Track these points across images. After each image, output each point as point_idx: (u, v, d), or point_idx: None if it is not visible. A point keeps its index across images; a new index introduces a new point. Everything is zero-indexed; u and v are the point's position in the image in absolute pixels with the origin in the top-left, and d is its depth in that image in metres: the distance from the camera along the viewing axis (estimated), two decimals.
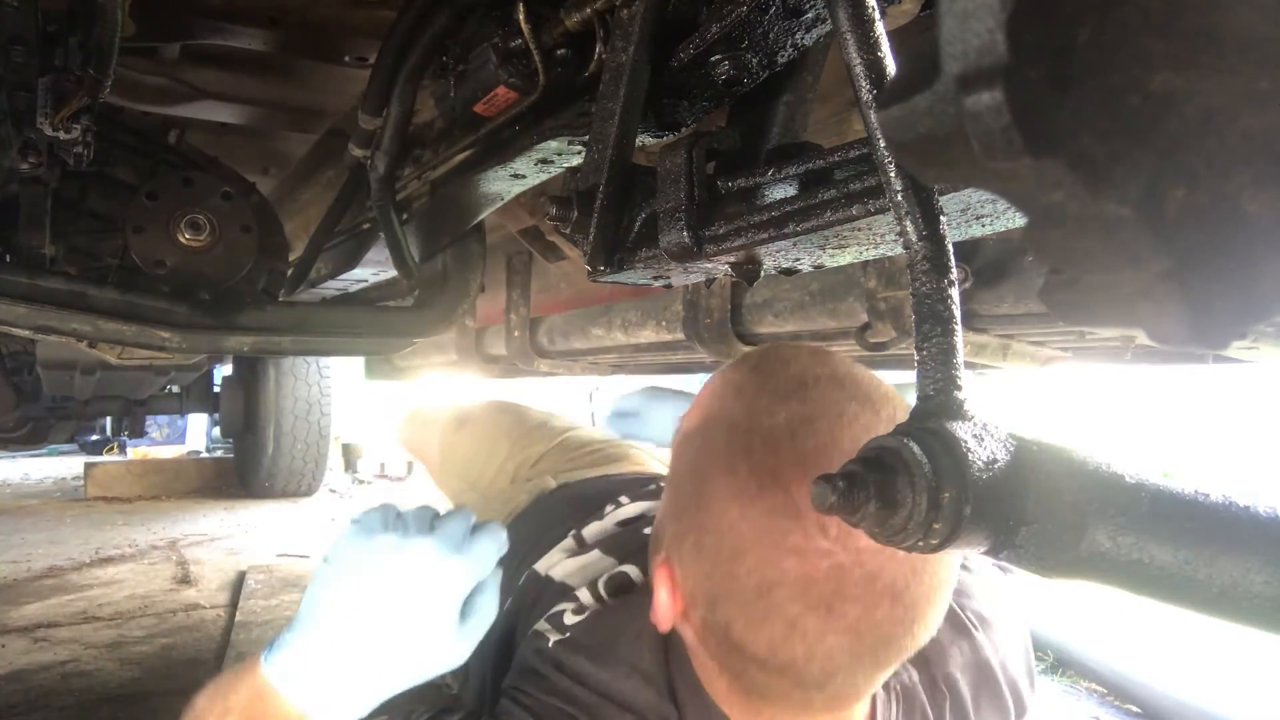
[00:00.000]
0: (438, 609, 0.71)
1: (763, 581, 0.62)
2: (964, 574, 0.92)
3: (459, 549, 0.74)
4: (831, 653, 0.62)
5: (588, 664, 0.79)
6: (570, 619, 0.87)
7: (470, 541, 0.75)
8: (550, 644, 0.84)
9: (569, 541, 1.09)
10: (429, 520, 0.76)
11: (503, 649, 0.99)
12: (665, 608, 0.70)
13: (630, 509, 1.13)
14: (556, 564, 1.05)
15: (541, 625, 0.89)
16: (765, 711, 0.72)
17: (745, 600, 0.63)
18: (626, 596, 0.91)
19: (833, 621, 0.61)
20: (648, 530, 0.97)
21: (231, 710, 0.68)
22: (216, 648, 2.29)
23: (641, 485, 1.21)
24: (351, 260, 1.78)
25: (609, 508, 1.14)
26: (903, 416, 0.46)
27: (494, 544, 0.76)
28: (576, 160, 0.97)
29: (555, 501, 1.33)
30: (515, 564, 1.09)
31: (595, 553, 1.03)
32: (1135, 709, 2.11)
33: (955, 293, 0.43)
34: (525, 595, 1.03)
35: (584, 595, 0.92)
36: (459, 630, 0.72)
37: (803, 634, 0.62)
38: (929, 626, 0.65)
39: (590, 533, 1.09)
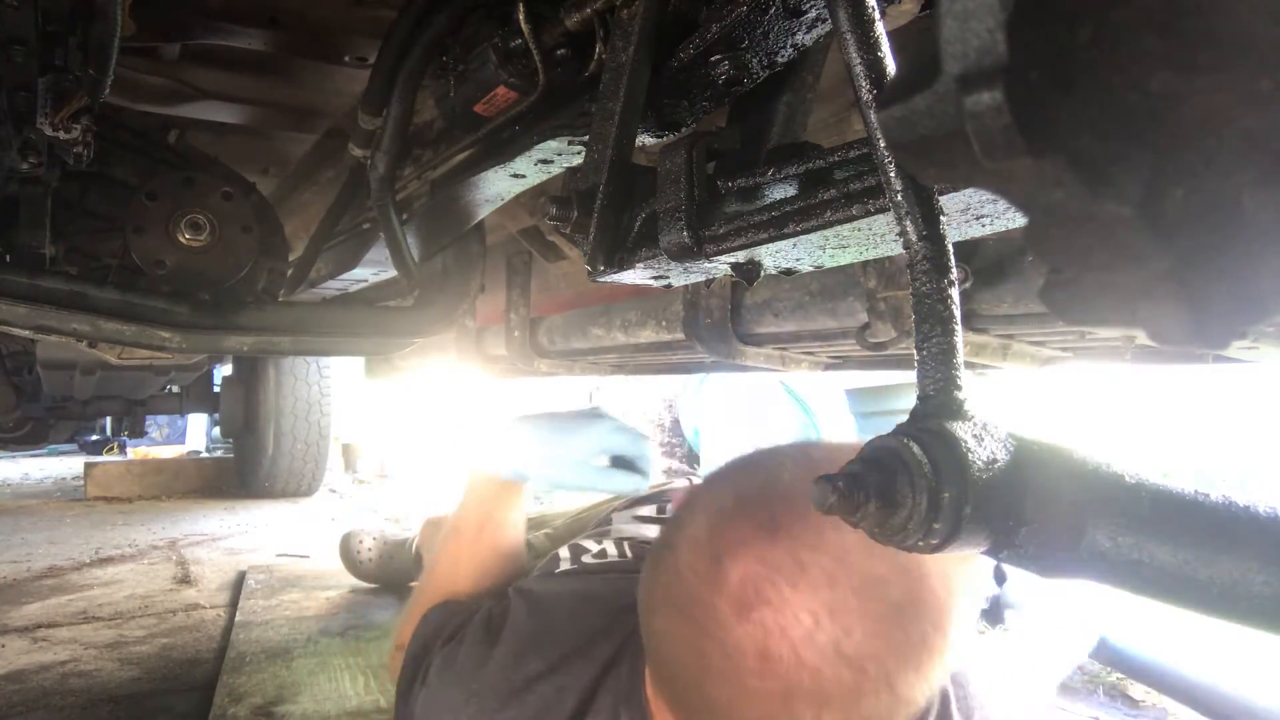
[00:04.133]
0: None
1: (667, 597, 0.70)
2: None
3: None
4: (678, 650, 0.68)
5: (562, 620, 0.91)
6: (588, 560, 1.05)
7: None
8: (559, 569, 1.04)
9: (650, 509, 1.21)
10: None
11: None
12: None
13: None
14: (624, 511, 1.18)
15: (564, 551, 1.07)
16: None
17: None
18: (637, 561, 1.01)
19: (672, 618, 0.67)
20: None
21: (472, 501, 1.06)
22: (216, 648, 2.29)
23: None
24: (351, 260, 1.78)
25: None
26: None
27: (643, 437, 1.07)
28: (576, 160, 0.97)
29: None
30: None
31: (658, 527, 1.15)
32: (1135, 709, 2.11)
33: (955, 293, 0.43)
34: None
35: (610, 546, 1.07)
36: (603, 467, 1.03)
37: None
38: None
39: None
